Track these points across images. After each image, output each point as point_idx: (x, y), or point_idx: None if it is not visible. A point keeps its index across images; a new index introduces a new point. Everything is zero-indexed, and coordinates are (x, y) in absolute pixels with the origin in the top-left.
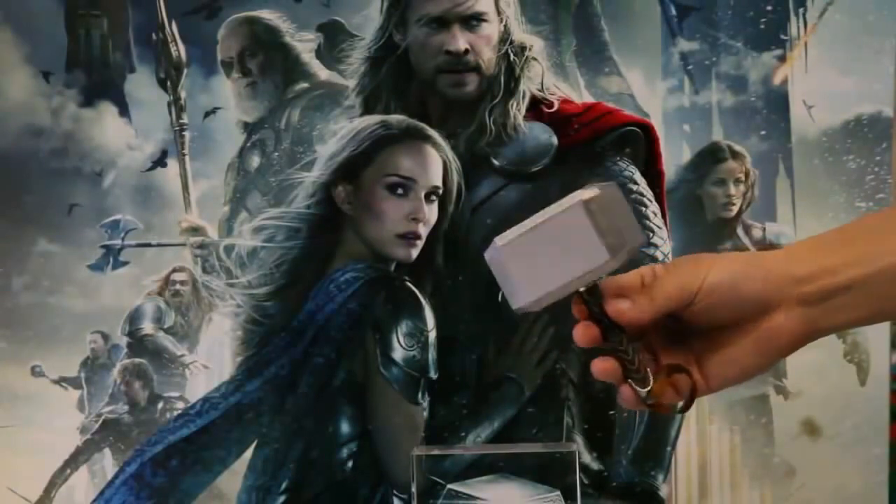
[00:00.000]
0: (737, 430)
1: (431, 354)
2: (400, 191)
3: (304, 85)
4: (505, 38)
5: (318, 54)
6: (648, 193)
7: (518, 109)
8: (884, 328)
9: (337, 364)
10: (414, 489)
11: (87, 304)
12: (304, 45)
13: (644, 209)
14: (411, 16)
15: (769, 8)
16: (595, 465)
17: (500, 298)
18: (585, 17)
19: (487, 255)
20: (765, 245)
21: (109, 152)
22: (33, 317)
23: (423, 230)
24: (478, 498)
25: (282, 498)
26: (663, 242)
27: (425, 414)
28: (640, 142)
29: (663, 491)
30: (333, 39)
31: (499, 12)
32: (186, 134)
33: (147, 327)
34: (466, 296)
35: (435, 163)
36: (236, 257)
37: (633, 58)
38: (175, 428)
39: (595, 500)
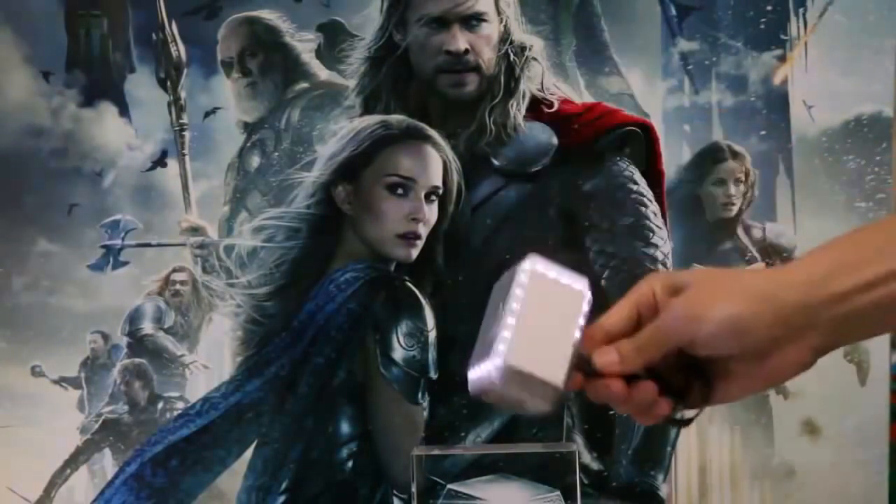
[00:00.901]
0: (737, 430)
1: (431, 354)
2: (400, 191)
3: (304, 85)
4: (505, 38)
5: (318, 54)
6: (648, 193)
7: (518, 109)
8: None
9: (337, 364)
10: (414, 489)
11: (87, 304)
12: (304, 45)
13: (644, 209)
14: (411, 16)
15: (769, 8)
16: (595, 465)
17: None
18: (585, 17)
19: (496, 377)
20: (765, 245)
21: (109, 152)
22: (33, 317)
23: (423, 230)
24: (478, 498)
25: (282, 498)
26: (663, 242)
27: (425, 414)
28: (640, 142)
29: (663, 491)
30: (333, 39)
31: (499, 12)
32: (186, 134)
33: (147, 327)
34: (466, 296)
35: (435, 163)
36: (236, 257)
37: (633, 58)
38: (175, 428)
39: (595, 500)
